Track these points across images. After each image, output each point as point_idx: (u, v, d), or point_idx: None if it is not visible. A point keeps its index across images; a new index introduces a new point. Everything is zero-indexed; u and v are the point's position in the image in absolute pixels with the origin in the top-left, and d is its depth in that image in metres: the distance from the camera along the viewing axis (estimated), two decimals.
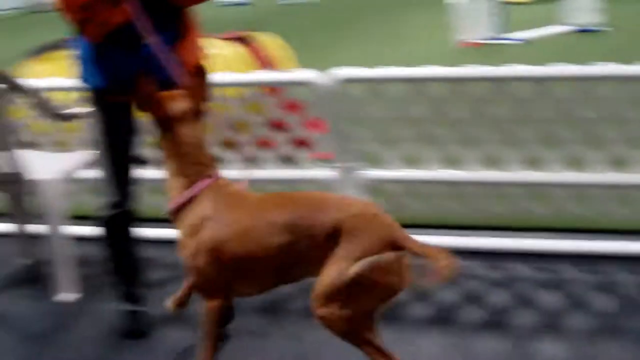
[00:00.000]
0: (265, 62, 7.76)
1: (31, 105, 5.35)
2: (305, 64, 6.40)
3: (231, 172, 5.77)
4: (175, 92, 3.93)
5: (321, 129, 5.78)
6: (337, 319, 3.46)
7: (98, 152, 4.45)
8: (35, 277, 5.52)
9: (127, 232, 4.60)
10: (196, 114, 3.91)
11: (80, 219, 5.49)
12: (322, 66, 5.69)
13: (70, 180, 5.39)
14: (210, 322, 3.85)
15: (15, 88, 5.01)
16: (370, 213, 3.56)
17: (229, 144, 6.03)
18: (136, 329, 4.69)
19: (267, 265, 3.63)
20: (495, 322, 4.60)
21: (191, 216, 3.76)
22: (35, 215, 5.42)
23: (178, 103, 3.89)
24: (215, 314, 3.84)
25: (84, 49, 4.26)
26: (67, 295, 5.14)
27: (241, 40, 8.01)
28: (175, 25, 4.31)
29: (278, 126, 5.96)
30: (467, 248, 5.42)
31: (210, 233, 3.68)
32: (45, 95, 5.46)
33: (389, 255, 3.44)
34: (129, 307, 4.72)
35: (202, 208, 3.75)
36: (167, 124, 3.88)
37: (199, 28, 4.47)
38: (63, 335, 4.75)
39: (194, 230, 3.73)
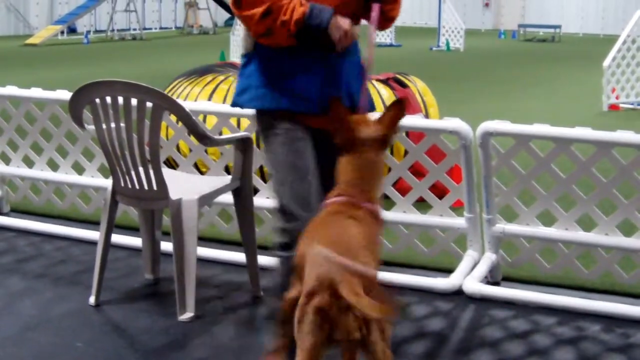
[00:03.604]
0: (412, 106, 7.53)
1: (184, 126, 5.16)
2: (446, 111, 6.15)
3: None
4: (367, 116, 3.75)
5: (458, 177, 5.49)
6: None
7: (276, 172, 4.05)
8: (158, 294, 5.42)
9: None
10: (382, 142, 3.67)
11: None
12: (464, 115, 5.42)
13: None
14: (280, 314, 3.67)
15: (170, 107, 4.82)
16: (329, 251, 3.21)
17: None
18: None
19: None
20: None
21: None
22: (166, 233, 5.33)
23: (368, 128, 3.65)
24: (284, 308, 3.56)
25: (259, 67, 4.01)
26: (186, 314, 4.93)
27: (395, 81, 7.82)
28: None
29: (417, 170, 5.72)
30: (585, 310, 5.12)
31: (301, 244, 3.51)
32: (195, 117, 5.29)
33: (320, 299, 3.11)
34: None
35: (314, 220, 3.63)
36: (351, 146, 3.65)
37: None
38: (178, 354, 4.56)
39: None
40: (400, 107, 3.67)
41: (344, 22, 3.82)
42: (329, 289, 3.09)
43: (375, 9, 4.00)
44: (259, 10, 3.81)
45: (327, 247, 3.24)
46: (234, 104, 4.14)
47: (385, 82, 7.80)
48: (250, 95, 4.02)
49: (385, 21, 4.13)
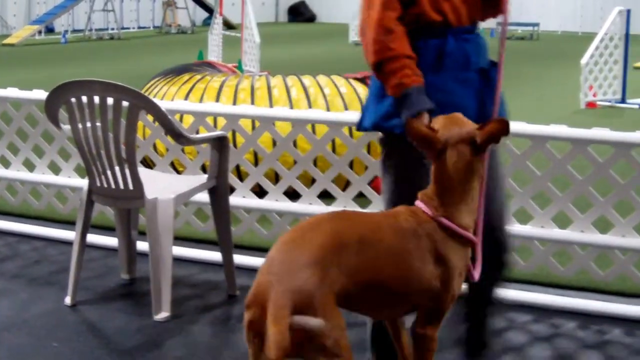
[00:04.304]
0: None
1: (160, 126, 5.14)
2: None
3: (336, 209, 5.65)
4: (459, 116, 3.44)
5: None
6: None
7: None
8: (133, 294, 5.42)
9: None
10: (470, 144, 3.35)
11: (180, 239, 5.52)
12: None
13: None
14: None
15: (146, 106, 4.81)
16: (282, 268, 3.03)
17: (341, 181, 5.83)
18: None
19: None
20: None
21: None
22: (142, 232, 5.36)
23: (456, 129, 3.37)
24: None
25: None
26: (162, 313, 4.94)
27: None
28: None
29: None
30: (560, 307, 5.17)
31: None
32: (172, 116, 5.29)
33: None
34: None
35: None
36: (433, 152, 3.36)
37: None
38: (154, 353, 4.56)
39: None
40: (503, 124, 3.35)
41: (418, 127, 3.36)
42: (261, 304, 2.96)
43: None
44: (372, 59, 3.55)
45: (279, 249, 3.12)
46: (377, 128, 3.78)
47: (362, 80, 7.82)
48: (401, 120, 3.58)
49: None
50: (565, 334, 4.82)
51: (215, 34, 18.96)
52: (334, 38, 30.51)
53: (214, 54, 18.49)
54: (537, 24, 33.30)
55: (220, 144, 5.19)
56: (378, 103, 3.72)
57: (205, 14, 37.24)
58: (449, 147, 3.34)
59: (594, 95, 14.08)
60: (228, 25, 28.23)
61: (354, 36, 28.45)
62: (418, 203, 3.41)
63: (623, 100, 14.39)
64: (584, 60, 13.84)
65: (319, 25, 40.56)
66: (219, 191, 5.25)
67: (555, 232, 5.34)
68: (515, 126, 5.15)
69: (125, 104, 4.77)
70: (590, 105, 13.94)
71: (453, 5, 3.67)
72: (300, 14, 42.51)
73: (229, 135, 5.48)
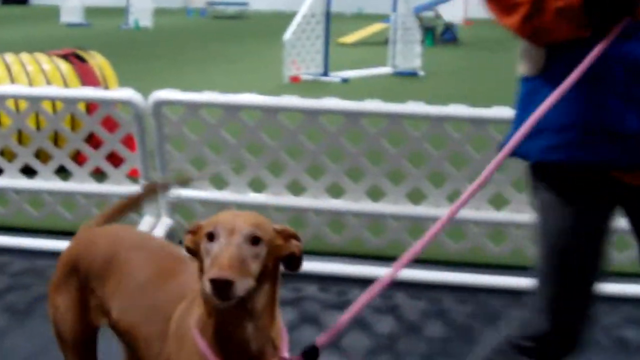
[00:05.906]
0: (91, 80, 7.55)
1: None
2: (135, 85, 6.14)
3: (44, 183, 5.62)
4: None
5: (133, 146, 5.57)
6: None
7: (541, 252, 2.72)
8: None
9: None
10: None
11: None
12: (150, 92, 5.45)
13: None
14: None
15: None
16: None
17: (43, 155, 5.79)
18: None
19: None
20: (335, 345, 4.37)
21: None
22: None
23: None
24: None
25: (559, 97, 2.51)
26: None
27: (74, 56, 7.79)
28: None
29: (93, 141, 5.75)
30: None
31: None
32: None
33: None
34: None
35: None
36: None
37: None
38: None
39: None
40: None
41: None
42: None
43: None
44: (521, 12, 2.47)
45: None
46: (512, 152, 2.58)
47: (65, 57, 7.75)
48: (546, 141, 2.58)
49: None
50: (309, 297, 4.98)
51: None
52: (46, 20, 29.84)
53: None
54: (246, 4, 33.81)
55: None
56: (521, 120, 2.61)
57: None
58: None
59: (298, 69, 14.50)
60: None
61: (64, 17, 27.92)
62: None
63: (325, 74, 14.90)
64: (286, 36, 14.24)
65: (31, 8, 39.52)
66: None
67: (250, 197, 5.53)
68: (207, 97, 5.34)
69: None
70: (294, 79, 14.35)
71: None
72: None
73: None
